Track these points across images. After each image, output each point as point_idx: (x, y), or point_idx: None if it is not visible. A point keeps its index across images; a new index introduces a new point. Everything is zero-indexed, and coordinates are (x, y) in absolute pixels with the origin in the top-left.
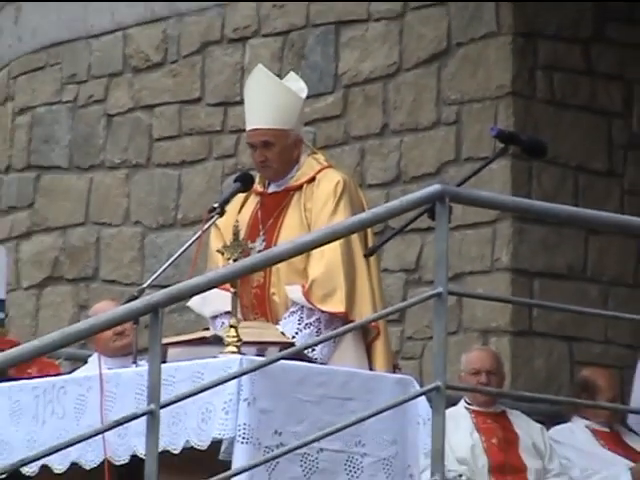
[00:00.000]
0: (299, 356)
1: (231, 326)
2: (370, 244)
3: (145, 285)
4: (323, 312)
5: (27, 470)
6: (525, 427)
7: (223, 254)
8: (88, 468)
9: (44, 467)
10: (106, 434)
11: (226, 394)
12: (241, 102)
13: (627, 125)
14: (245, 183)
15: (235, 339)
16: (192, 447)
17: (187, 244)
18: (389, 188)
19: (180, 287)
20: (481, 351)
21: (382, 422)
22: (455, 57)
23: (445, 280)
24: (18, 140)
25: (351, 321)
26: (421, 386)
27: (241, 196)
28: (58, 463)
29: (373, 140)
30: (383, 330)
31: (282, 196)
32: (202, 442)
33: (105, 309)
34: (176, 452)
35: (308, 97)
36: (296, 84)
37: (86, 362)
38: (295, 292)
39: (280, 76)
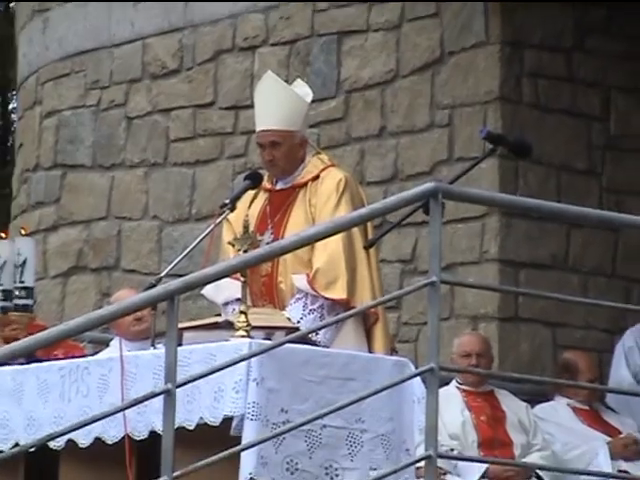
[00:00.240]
0: (304, 340)
1: (241, 312)
2: (369, 237)
3: (162, 274)
4: (326, 299)
5: (54, 444)
6: (511, 405)
7: (234, 246)
8: (110, 443)
9: (70, 441)
10: (126, 411)
11: (236, 375)
12: (251, 106)
13: (605, 128)
14: (254, 181)
15: (245, 324)
16: (205, 423)
17: (200, 237)
18: (387, 185)
19: (194, 276)
20: (471, 335)
21: (380, 401)
22: (447, 65)
23: (438, 270)
24: (45, 141)
25: (352, 307)
26: (416, 368)
27: (251, 192)
28: (82, 438)
29: (372, 141)
30: (381, 316)
31: (289, 193)
32: (215, 419)
33: (125, 296)
34: (191, 428)
35: (312, 101)
36: (302, 89)
37: (108, 345)
38: (300, 280)
39: (287, 82)
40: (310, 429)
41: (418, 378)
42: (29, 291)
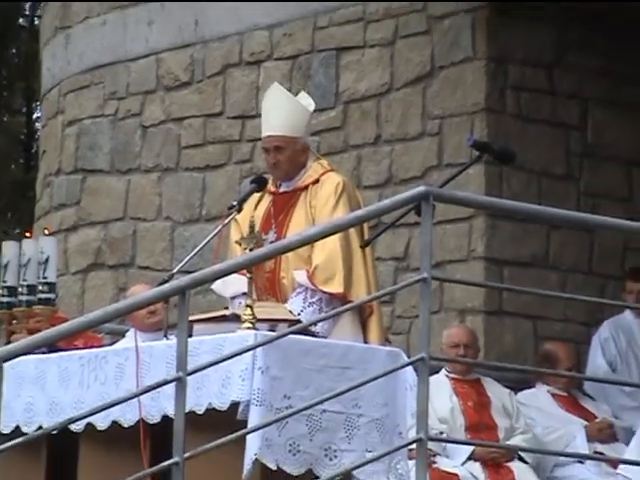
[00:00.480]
0: (305, 331)
1: (247, 305)
2: (365, 236)
3: (174, 271)
4: (324, 293)
5: (74, 427)
6: (496, 392)
7: (241, 244)
8: (126, 426)
9: (89, 425)
10: (141, 397)
11: (243, 363)
12: (256, 115)
13: (583, 137)
14: (260, 184)
15: (251, 317)
16: (214, 408)
17: (210, 236)
18: (382, 189)
19: (204, 272)
20: (459, 327)
21: (375, 388)
22: (437, 78)
23: (429, 267)
24: (67, 148)
25: (349, 301)
26: (408, 357)
27: (257, 195)
28: (101, 421)
29: (368, 148)
30: (376, 309)
31: (291, 195)
32: (222, 404)
33: (140, 291)
34: (200, 413)
35: (313, 111)
36: (306, 100)
37: (124, 336)
38: (301, 276)
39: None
40: (311, 414)
41: (410, 367)
42: (51, 286)
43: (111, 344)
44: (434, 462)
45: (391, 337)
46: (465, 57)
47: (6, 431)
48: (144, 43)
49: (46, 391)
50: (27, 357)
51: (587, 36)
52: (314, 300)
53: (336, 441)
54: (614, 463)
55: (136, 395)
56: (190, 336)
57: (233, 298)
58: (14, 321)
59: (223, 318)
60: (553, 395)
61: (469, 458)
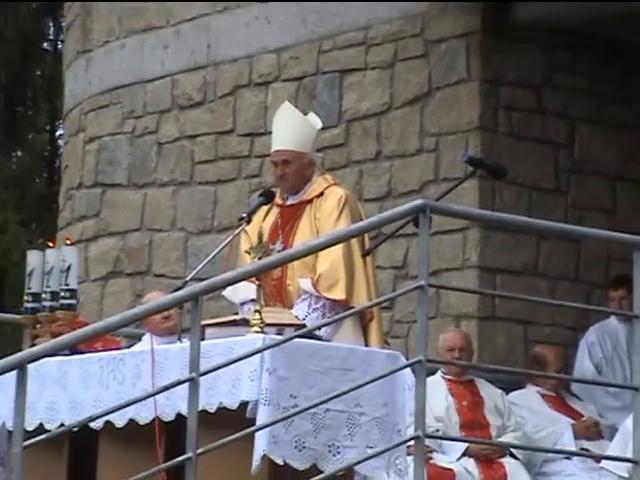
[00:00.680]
0: (309, 335)
1: (256, 311)
2: (367, 246)
3: (188, 278)
4: (327, 299)
5: (94, 425)
6: (489, 392)
7: (250, 254)
8: (142, 424)
9: (107, 422)
10: (156, 397)
11: (252, 365)
12: (265, 133)
13: (570, 153)
14: (267, 197)
15: (259, 321)
16: (225, 407)
17: (221, 246)
18: (382, 202)
19: (216, 280)
20: (454, 332)
21: (376, 388)
22: (434, 98)
23: (426, 275)
24: (87, 163)
25: (350, 307)
26: (407, 360)
27: (265, 207)
28: (119, 419)
29: (369, 164)
30: (376, 315)
31: (297, 208)
32: (233, 403)
33: (156, 297)
34: (212, 411)
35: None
36: (313, 119)
37: (140, 339)
38: (306, 283)
39: None
40: (315, 412)
41: (408, 369)
42: (73, 292)
43: (128, 347)
44: (431, 458)
45: (390, 341)
46: (460, 79)
47: (30, 428)
48: (160, 65)
49: (68, 391)
50: (50, 359)
51: (574, 59)
52: (318, 306)
53: (339, 438)
54: (598, 459)
55: (152, 395)
56: (202, 339)
57: (242, 304)
58: (38, 325)
59: (233, 323)
60: (542, 395)
61: (463, 454)
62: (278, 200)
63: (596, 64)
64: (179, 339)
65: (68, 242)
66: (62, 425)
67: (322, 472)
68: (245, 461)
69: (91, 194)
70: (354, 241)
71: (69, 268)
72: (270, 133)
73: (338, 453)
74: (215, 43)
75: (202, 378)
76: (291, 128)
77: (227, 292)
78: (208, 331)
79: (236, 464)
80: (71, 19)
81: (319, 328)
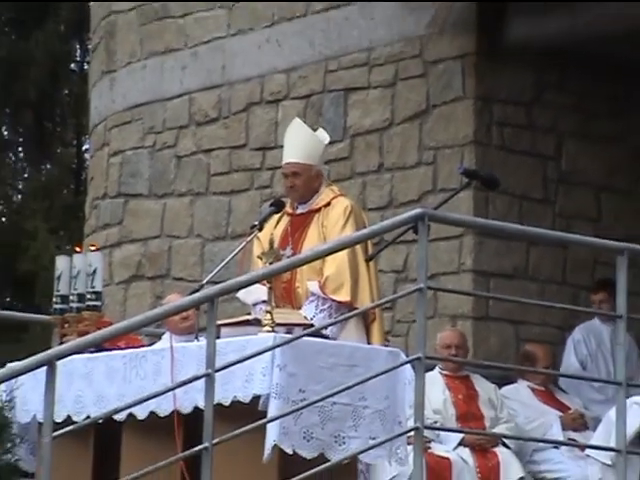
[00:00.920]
0: (317, 334)
1: (267, 311)
2: (370, 252)
3: (204, 282)
4: (334, 301)
5: (118, 417)
6: (483, 386)
7: (262, 259)
8: (162, 416)
9: (130, 415)
10: (175, 391)
11: (263, 362)
12: (275, 147)
13: (558, 166)
14: (278, 207)
15: (270, 321)
16: (239, 401)
17: (235, 252)
18: (384, 211)
19: (230, 283)
20: (451, 331)
21: (378, 383)
22: (432, 115)
23: (425, 279)
24: (111, 175)
25: (355, 308)
26: (407, 357)
27: (277, 216)
28: (140, 412)
29: (372, 175)
30: (378, 315)
31: (306, 216)
32: (246, 397)
33: (175, 299)
34: (227, 404)
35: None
36: (322, 134)
37: (160, 338)
38: (313, 286)
39: None
40: (322, 405)
41: (408, 365)
42: (98, 295)
43: (150, 345)
44: (429, 447)
45: (391, 339)
46: (456, 97)
47: (59, 420)
48: (178, 85)
49: (93, 385)
50: (77, 356)
51: (561, 78)
52: (325, 307)
53: (344, 429)
54: (584, 448)
55: (171, 389)
56: (218, 338)
57: (255, 305)
58: (66, 325)
59: (246, 322)
60: (532, 390)
61: (459, 444)
62: (289, 209)
63: (582, 83)
64: (196, 338)
65: (93, 248)
66: (88, 417)
67: (328, 461)
68: (257, 451)
69: (115, 204)
70: (358, 247)
71: (95, 272)
72: (280, 147)
73: (343, 443)
74: (229, 64)
75: (217, 374)
76: (300, 142)
77: (241, 294)
78: (223, 330)
79: (249, 453)
80: (96, 42)
81: (326, 327)
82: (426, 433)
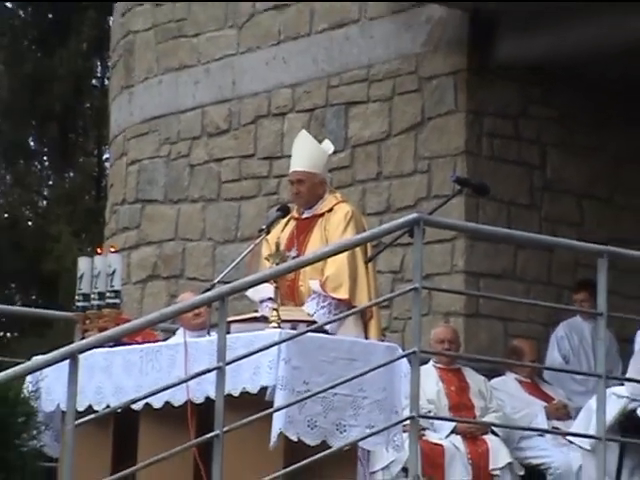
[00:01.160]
0: (318, 329)
1: (273, 309)
2: (369, 254)
3: (215, 281)
4: (334, 299)
5: (135, 407)
6: (474, 379)
7: (269, 260)
8: (176, 405)
9: (147, 405)
10: (189, 382)
11: (270, 356)
12: (282, 157)
13: (543, 174)
14: (283, 212)
15: (276, 318)
16: (247, 392)
17: (244, 253)
18: (382, 216)
19: (239, 282)
20: (444, 327)
21: (376, 375)
22: (427, 127)
23: (420, 279)
24: (130, 182)
25: (353, 306)
26: (403, 351)
27: (284, 220)
28: (156, 402)
29: (371, 183)
30: (375, 314)
31: (310, 221)
32: (254, 388)
33: (188, 297)
34: (236, 395)
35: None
36: (327, 145)
37: (175, 333)
38: (315, 284)
39: None
40: (325, 396)
41: (405, 358)
42: (117, 293)
43: (165, 340)
44: (423, 435)
45: (389, 335)
46: (449, 110)
47: (81, 409)
48: (192, 99)
49: (113, 377)
50: (98, 350)
51: (545, 93)
52: (325, 304)
53: (345, 418)
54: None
55: (185, 381)
56: (228, 333)
57: (262, 302)
58: (87, 321)
59: (254, 319)
60: (519, 382)
61: (452, 432)
62: (295, 214)
63: (565, 97)
64: (208, 333)
65: (113, 250)
66: (108, 407)
67: (330, 447)
68: (264, 438)
69: (133, 209)
70: (358, 249)
71: (114, 272)
72: (286, 157)
73: (344, 431)
74: (239, 79)
75: (228, 367)
76: (306, 152)
77: (249, 292)
78: (233, 326)
79: (257, 441)
80: (116, 59)
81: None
82: (421, 422)
